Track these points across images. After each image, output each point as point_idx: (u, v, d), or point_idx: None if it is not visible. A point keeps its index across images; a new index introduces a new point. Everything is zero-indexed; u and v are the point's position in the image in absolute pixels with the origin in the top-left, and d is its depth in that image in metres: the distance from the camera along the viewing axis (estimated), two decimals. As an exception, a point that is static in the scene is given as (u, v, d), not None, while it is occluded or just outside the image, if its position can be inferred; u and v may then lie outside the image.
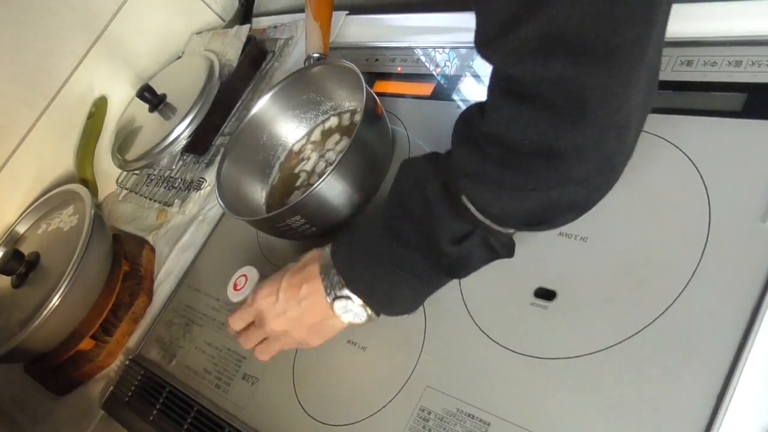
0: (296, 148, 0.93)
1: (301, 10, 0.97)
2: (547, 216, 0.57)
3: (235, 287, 0.75)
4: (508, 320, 0.63)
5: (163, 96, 1.13)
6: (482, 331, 0.64)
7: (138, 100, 1.13)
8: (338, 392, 0.71)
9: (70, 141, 1.19)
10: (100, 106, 1.20)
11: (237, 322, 0.73)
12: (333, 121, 0.92)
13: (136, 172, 1.17)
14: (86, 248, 0.90)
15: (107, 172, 1.21)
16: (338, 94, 0.90)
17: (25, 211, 1.10)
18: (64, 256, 0.92)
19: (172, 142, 1.07)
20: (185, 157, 1.09)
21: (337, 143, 0.89)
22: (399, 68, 0.91)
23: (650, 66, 0.51)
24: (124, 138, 1.17)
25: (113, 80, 1.21)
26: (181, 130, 1.07)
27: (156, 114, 1.13)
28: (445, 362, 0.65)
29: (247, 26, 1.14)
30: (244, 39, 1.12)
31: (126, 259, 1.02)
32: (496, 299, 0.65)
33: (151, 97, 1.12)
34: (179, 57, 1.26)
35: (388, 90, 0.90)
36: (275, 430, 0.73)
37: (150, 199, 1.11)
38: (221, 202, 0.82)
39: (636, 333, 0.56)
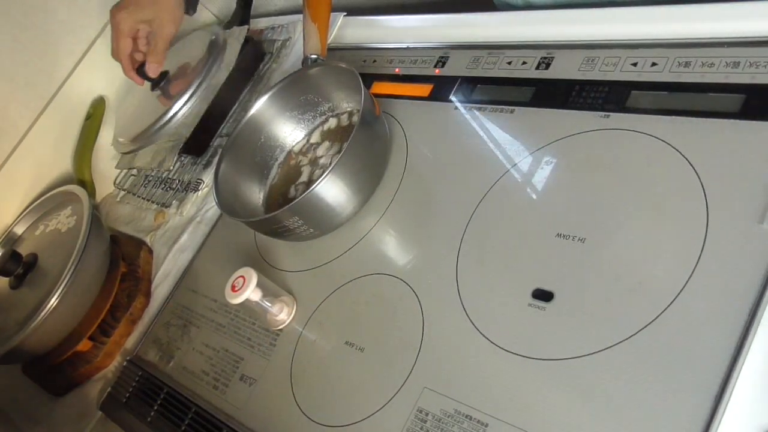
0: (296, 149, 0.93)
1: (299, 11, 0.97)
2: None
3: (232, 288, 0.75)
4: (505, 321, 0.63)
5: (165, 72, 1.09)
6: (480, 332, 0.64)
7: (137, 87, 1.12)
8: (336, 393, 0.71)
9: (68, 142, 1.19)
10: (97, 107, 1.20)
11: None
12: (332, 123, 0.92)
13: (133, 172, 1.17)
14: (84, 249, 0.90)
15: (105, 173, 1.21)
16: (336, 96, 0.90)
17: (23, 213, 1.10)
18: (61, 257, 0.92)
19: (171, 118, 1.05)
20: (183, 158, 1.09)
21: (328, 149, 0.89)
22: (397, 69, 0.91)
23: None
24: (125, 122, 1.15)
25: (111, 81, 1.21)
26: (180, 106, 1.04)
27: (158, 92, 1.10)
28: (443, 363, 0.65)
29: (245, 27, 1.14)
30: (242, 40, 1.12)
31: (124, 261, 1.02)
32: (493, 300, 0.65)
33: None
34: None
35: (386, 91, 0.90)
36: (273, 431, 0.73)
37: (148, 201, 1.11)
38: (219, 204, 0.82)
39: (634, 334, 0.56)
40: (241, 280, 0.75)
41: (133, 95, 1.18)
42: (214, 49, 1.09)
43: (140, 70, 1.04)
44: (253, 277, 0.74)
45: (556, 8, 0.81)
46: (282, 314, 0.79)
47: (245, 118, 0.90)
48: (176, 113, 1.04)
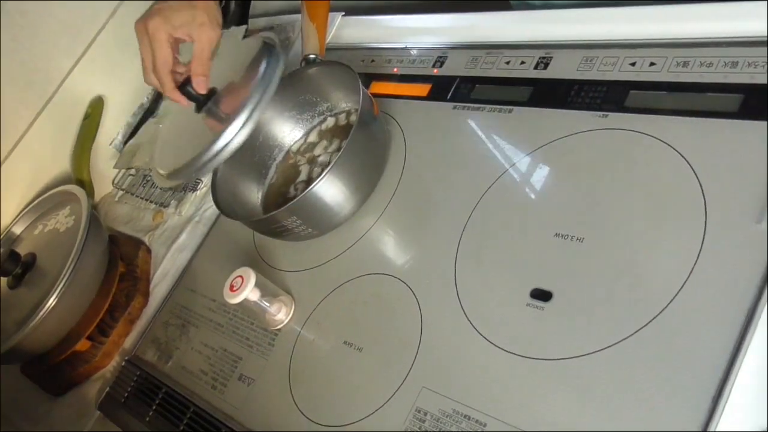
0: (294, 148, 0.93)
1: (298, 11, 0.97)
2: None
3: (231, 288, 0.75)
4: (504, 321, 0.63)
5: (213, 89, 0.89)
6: (478, 331, 0.64)
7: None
8: (334, 393, 0.71)
9: (66, 142, 1.19)
10: (96, 107, 1.20)
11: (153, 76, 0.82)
12: (330, 122, 0.92)
13: (131, 172, 1.17)
14: (82, 249, 0.90)
15: (104, 173, 1.21)
16: (334, 95, 0.90)
17: (21, 212, 1.10)
18: (60, 257, 0.92)
19: (225, 146, 0.82)
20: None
21: (326, 148, 0.88)
22: (395, 69, 0.91)
23: None
24: (164, 149, 0.95)
25: (110, 81, 1.21)
26: (236, 130, 0.82)
27: (204, 115, 0.88)
28: (441, 363, 0.65)
29: (243, 27, 1.14)
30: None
31: (122, 260, 1.02)
32: (492, 300, 0.65)
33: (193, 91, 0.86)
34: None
35: (385, 91, 0.90)
36: (271, 431, 0.73)
37: (146, 200, 1.11)
38: (217, 204, 0.82)
39: (632, 334, 0.56)
40: (239, 279, 0.75)
41: (173, 116, 1.01)
42: (270, 56, 0.88)
43: (183, 89, 0.84)
44: (252, 277, 0.74)
45: (574, 8, 0.80)
46: (280, 314, 0.79)
47: (244, 118, 0.89)
48: (232, 139, 0.82)
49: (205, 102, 0.86)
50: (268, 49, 0.89)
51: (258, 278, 0.75)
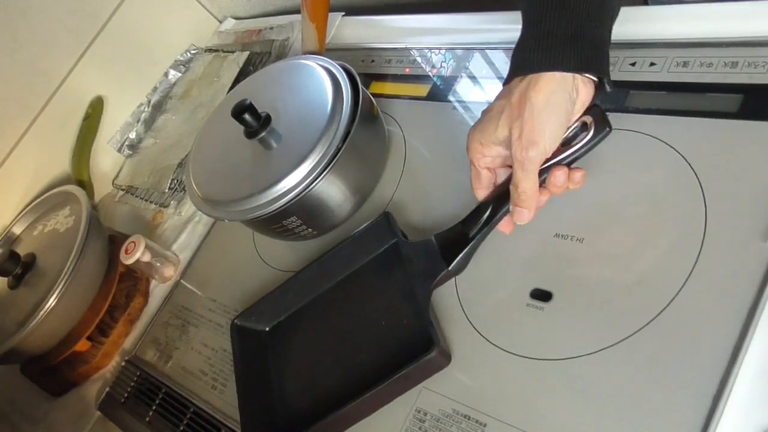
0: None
1: (298, 11, 0.97)
2: None
3: (126, 251, 0.91)
4: (504, 321, 0.63)
5: (267, 118, 0.77)
6: (478, 331, 0.64)
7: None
8: (334, 393, 0.71)
9: (66, 142, 1.19)
10: (96, 107, 1.20)
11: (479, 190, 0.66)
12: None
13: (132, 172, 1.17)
14: (82, 249, 0.91)
15: (103, 173, 1.21)
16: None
17: (21, 213, 1.10)
18: (60, 257, 0.92)
19: (289, 191, 0.73)
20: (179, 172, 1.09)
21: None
22: (395, 69, 0.91)
23: None
24: (204, 174, 0.83)
25: (110, 81, 1.21)
26: (304, 174, 0.73)
27: (255, 143, 0.77)
28: (441, 363, 0.65)
29: (246, 53, 1.13)
30: (241, 65, 1.12)
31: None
32: (492, 300, 0.65)
33: (251, 119, 0.75)
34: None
35: (384, 91, 0.90)
36: (271, 431, 0.73)
37: (146, 201, 1.11)
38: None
39: (632, 334, 0.56)
40: (132, 244, 0.92)
41: (214, 136, 0.87)
42: (338, 89, 0.77)
43: (239, 115, 0.74)
44: (142, 244, 0.91)
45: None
46: (168, 271, 0.96)
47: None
48: (299, 184, 0.73)
49: (259, 129, 0.76)
50: (332, 77, 0.78)
51: (148, 242, 0.93)
